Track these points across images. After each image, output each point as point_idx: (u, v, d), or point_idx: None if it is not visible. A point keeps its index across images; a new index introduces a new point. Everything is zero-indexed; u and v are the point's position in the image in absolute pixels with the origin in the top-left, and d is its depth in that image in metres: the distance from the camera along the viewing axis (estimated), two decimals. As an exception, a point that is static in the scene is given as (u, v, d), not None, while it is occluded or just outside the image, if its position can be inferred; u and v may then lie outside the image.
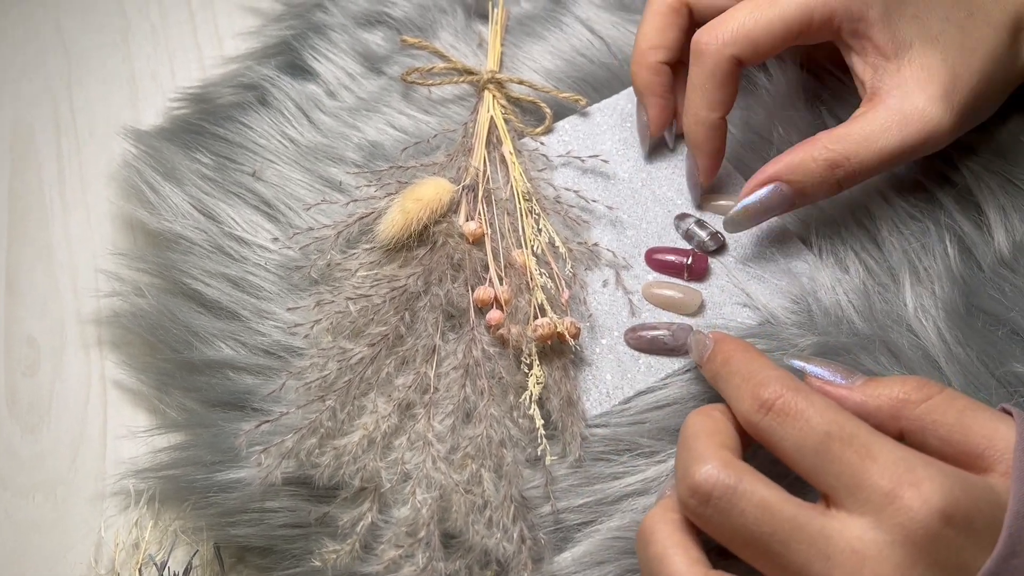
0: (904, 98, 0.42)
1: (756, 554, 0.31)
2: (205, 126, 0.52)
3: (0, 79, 0.61)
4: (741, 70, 0.43)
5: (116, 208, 0.54)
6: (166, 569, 0.42)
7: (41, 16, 0.64)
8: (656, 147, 0.50)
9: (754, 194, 0.43)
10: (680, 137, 0.50)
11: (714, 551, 0.33)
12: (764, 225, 0.47)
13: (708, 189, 0.48)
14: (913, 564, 0.29)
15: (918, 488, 0.30)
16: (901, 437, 0.34)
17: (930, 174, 0.47)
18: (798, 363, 0.38)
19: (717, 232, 0.47)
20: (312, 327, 0.42)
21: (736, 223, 0.44)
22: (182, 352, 0.46)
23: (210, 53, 0.61)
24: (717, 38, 0.42)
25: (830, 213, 0.47)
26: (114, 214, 0.54)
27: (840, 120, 0.45)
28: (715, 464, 0.32)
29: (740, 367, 0.36)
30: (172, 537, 0.43)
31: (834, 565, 0.30)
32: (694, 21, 0.47)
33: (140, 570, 0.42)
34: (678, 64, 0.48)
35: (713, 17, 0.44)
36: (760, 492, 0.31)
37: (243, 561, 0.42)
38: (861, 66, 0.43)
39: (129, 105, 0.59)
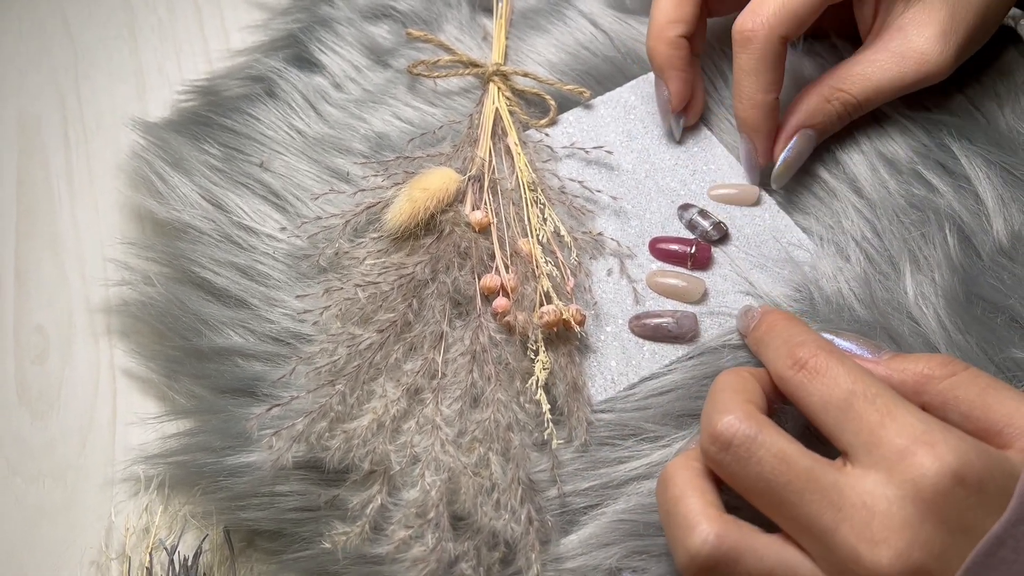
0: (904, 40, 0.45)
1: (770, 503, 0.33)
2: (213, 117, 0.53)
3: (7, 71, 0.61)
4: (786, 50, 0.45)
5: (124, 198, 0.54)
6: (176, 553, 0.42)
7: (47, 9, 0.64)
8: (677, 123, 0.50)
9: (788, 147, 0.47)
10: (687, 130, 0.51)
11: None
12: (767, 216, 0.48)
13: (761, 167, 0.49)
14: (921, 521, 0.30)
15: (933, 448, 0.30)
16: (923, 410, 0.35)
17: (929, 164, 0.48)
18: (828, 336, 0.39)
19: (720, 221, 0.47)
20: (322, 313, 0.42)
21: (781, 177, 0.48)
22: (191, 340, 0.46)
23: (216, 46, 0.61)
24: (764, 23, 0.43)
25: (831, 203, 0.48)
26: (122, 204, 0.55)
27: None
28: (737, 415, 0.33)
29: (782, 331, 0.38)
30: (182, 522, 0.44)
31: (844, 517, 0.31)
32: None
33: (151, 554, 0.42)
34: (693, 37, 0.48)
35: None
36: (778, 443, 0.33)
37: (252, 545, 0.43)
38: (869, 9, 0.46)
39: (136, 97, 0.60)
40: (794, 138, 0.47)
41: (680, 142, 0.51)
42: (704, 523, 0.33)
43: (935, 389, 0.35)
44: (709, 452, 0.34)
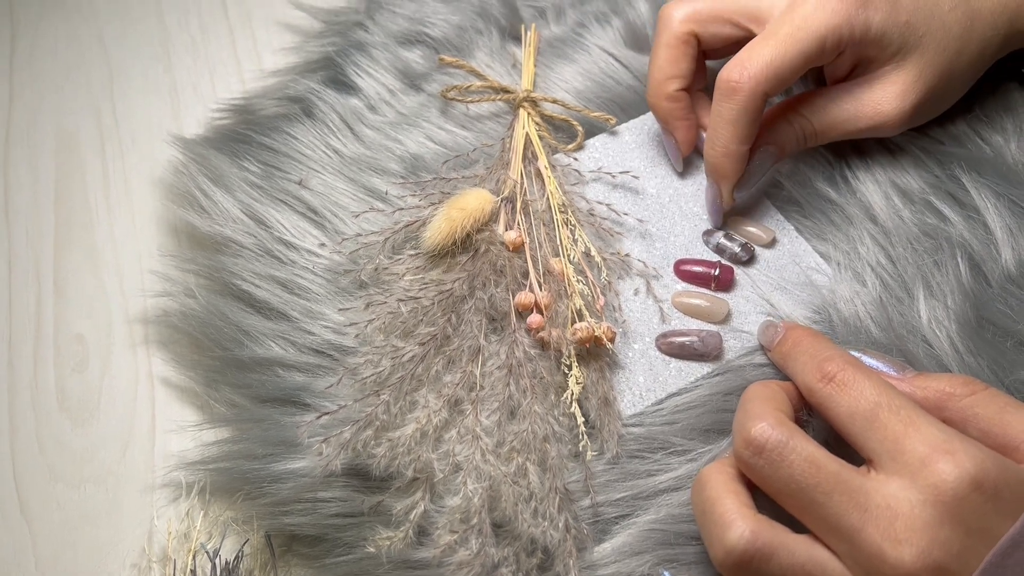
0: (868, 90, 0.48)
1: (800, 504, 0.35)
2: (252, 136, 0.54)
3: (45, 88, 0.63)
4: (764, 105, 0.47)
5: (160, 212, 0.56)
6: (218, 557, 0.43)
7: (83, 29, 0.66)
8: (688, 162, 0.53)
9: (753, 160, 0.49)
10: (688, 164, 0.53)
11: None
12: (786, 242, 0.50)
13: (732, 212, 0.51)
14: (941, 523, 0.32)
15: (953, 456, 0.33)
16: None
17: (941, 195, 0.50)
18: (855, 353, 0.42)
19: (747, 243, 0.49)
20: (366, 326, 0.44)
21: (742, 186, 0.49)
22: (232, 350, 0.48)
23: (249, 67, 0.63)
24: (750, 77, 0.45)
25: (847, 231, 0.50)
26: (158, 218, 0.56)
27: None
28: (770, 422, 0.36)
29: (809, 347, 0.40)
30: (222, 527, 0.45)
31: (869, 518, 0.33)
32: (701, 50, 0.50)
33: (194, 557, 0.44)
34: (691, 86, 0.51)
35: (718, 44, 0.50)
36: (808, 448, 0.35)
37: (291, 551, 0.44)
38: (845, 68, 0.48)
39: (171, 115, 0.61)
40: (758, 151, 0.48)
41: (701, 170, 0.53)
42: (740, 521, 0.35)
43: (956, 406, 0.37)
44: (743, 456, 0.36)
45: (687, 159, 0.53)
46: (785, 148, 0.49)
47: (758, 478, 0.36)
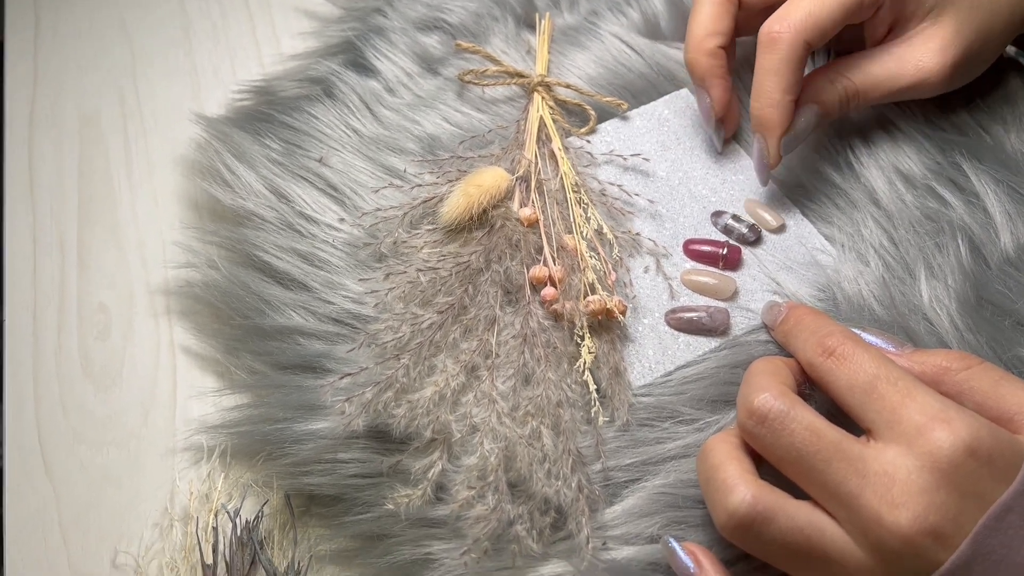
0: (909, 48, 0.49)
1: (801, 471, 0.36)
2: (273, 115, 0.56)
3: (68, 69, 0.64)
4: (808, 56, 0.48)
5: (182, 189, 0.58)
6: (238, 516, 0.45)
7: (105, 12, 0.68)
8: (718, 133, 0.54)
9: (798, 117, 0.49)
10: (729, 140, 0.55)
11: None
12: (792, 224, 0.52)
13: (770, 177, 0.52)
14: (937, 488, 0.33)
15: (948, 424, 0.34)
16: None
17: (942, 180, 0.52)
18: (855, 331, 0.43)
19: (754, 224, 0.51)
20: (387, 294, 0.46)
21: (789, 145, 0.50)
22: (253, 319, 0.49)
23: (268, 51, 0.65)
24: (791, 26, 0.47)
25: (851, 214, 0.52)
26: (180, 195, 0.58)
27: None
28: (772, 392, 0.37)
29: (810, 324, 0.41)
30: (242, 489, 0.46)
31: (867, 484, 0.34)
32: (742, 7, 0.52)
33: (215, 516, 0.45)
34: (728, 51, 0.52)
35: (760, 4, 0.51)
36: (809, 417, 0.36)
37: (310, 512, 0.46)
38: (883, 27, 0.50)
39: (192, 96, 0.63)
40: (801, 110, 0.49)
41: (710, 155, 0.55)
42: (742, 486, 0.36)
43: (952, 380, 0.39)
44: (746, 426, 0.38)
45: (691, 146, 0.54)
46: (828, 107, 0.50)
47: (761, 447, 0.38)
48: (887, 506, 0.34)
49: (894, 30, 0.50)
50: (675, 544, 0.40)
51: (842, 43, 0.54)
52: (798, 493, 0.37)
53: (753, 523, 0.35)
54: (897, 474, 0.34)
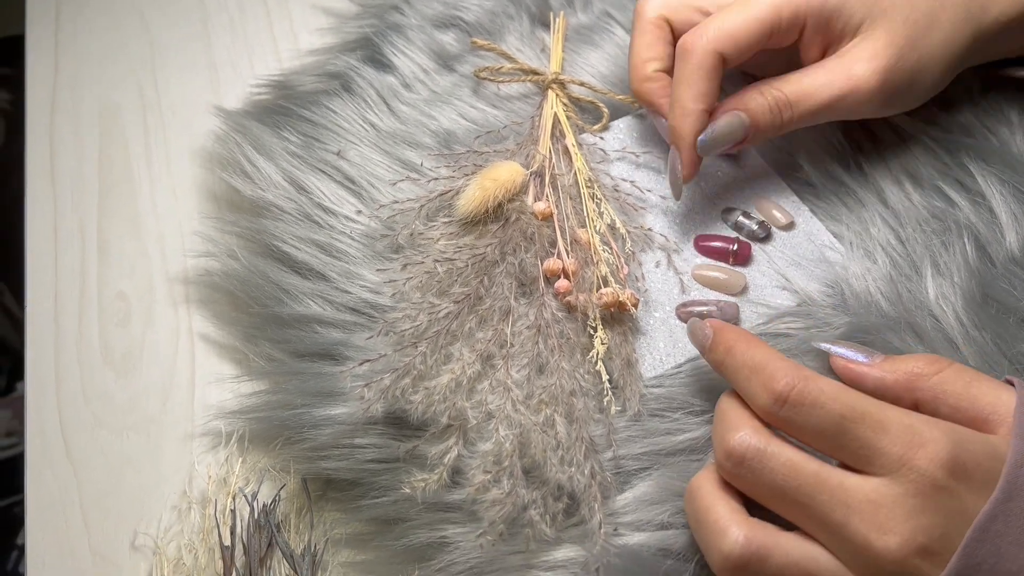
0: (840, 61, 0.49)
1: (784, 505, 0.37)
2: (292, 108, 0.57)
3: (88, 63, 0.65)
4: (723, 67, 0.49)
5: (200, 180, 0.59)
6: (255, 499, 0.46)
7: (125, 7, 0.69)
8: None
9: (719, 120, 0.49)
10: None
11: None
12: (801, 222, 0.53)
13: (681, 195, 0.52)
14: (922, 510, 0.34)
15: (925, 448, 0.34)
16: (916, 407, 0.39)
17: (949, 181, 0.53)
18: (824, 345, 0.44)
19: (764, 221, 0.52)
20: (404, 284, 0.47)
21: (705, 147, 0.49)
22: (271, 307, 0.50)
23: (286, 47, 0.66)
24: (702, 37, 0.48)
25: (859, 213, 0.52)
26: (198, 186, 0.59)
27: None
28: (746, 431, 0.37)
29: (745, 359, 0.39)
30: (260, 474, 0.47)
31: (852, 512, 0.35)
32: (675, 36, 0.53)
33: (233, 498, 0.46)
34: (669, 70, 0.52)
35: (689, 25, 0.51)
36: (786, 453, 0.36)
37: (326, 496, 0.46)
38: (816, 54, 0.50)
39: (210, 90, 0.64)
40: (726, 115, 0.49)
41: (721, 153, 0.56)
42: (733, 527, 0.36)
43: (925, 386, 0.39)
44: (725, 467, 0.38)
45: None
46: (756, 116, 0.49)
47: (742, 486, 0.38)
48: (875, 532, 0.34)
49: (826, 53, 0.50)
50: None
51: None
52: (787, 522, 0.37)
53: (748, 564, 0.36)
54: (882, 501, 0.34)
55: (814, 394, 0.36)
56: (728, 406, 0.39)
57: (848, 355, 0.42)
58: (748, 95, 0.49)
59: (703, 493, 0.38)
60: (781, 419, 0.37)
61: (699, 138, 0.49)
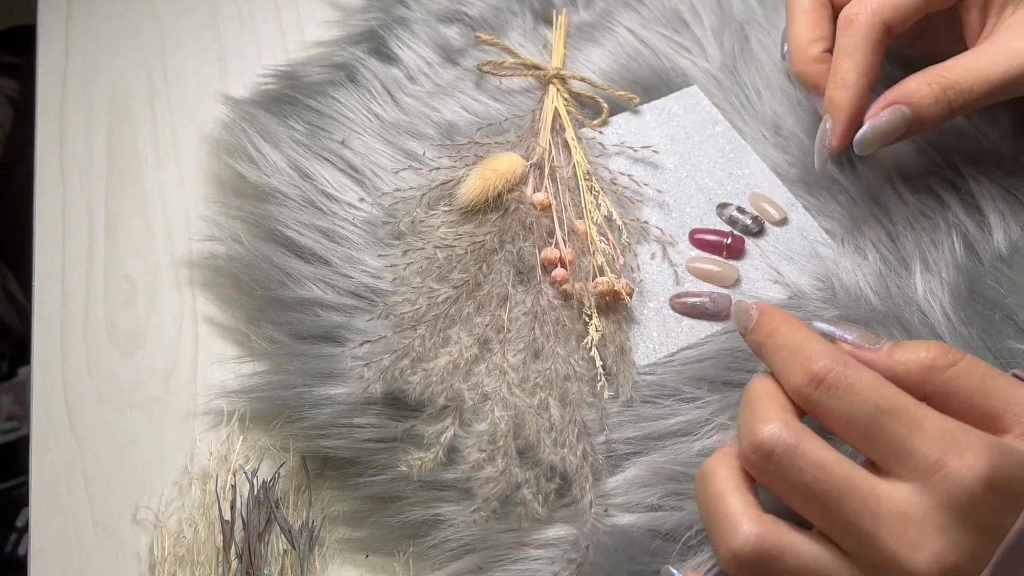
0: (1013, 37, 0.46)
1: (810, 508, 0.34)
2: (298, 98, 0.58)
3: (99, 48, 0.67)
4: (888, 38, 0.47)
5: (207, 166, 0.60)
6: (255, 476, 0.47)
7: (135, -4, 0.70)
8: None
9: (880, 115, 0.47)
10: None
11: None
12: (795, 218, 0.54)
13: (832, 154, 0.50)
14: (954, 526, 0.32)
15: (962, 457, 0.32)
16: (925, 399, 0.37)
17: (940, 181, 0.54)
18: (826, 327, 0.40)
19: (757, 216, 0.53)
20: (404, 268, 0.48)
21: (866, 144, 0.47)
22: (274, 290, 0.51)
23: (293, 38, 0.67)
24: (867, 7, 0.46)
25: (851, 211, 0.54)
26: (205, 172, 0.60)
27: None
28: (778, 424, 0.35)
29: (787, 339, 0.37)
30: (260, 452, 0.48)
31: (882, 523, 0.33)
32: (835, 12, 0.50)
33: (233, 475, 0.47)
34: (832, 50, 0.50)
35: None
36: (818, 452, 0.34)
37: (324, 475, 0.48)
38: (976, 16, 0.48)
39: (218, 79, 0.65)
40: (888, 110, 0.46)
41: (717, 150, 0.57)
42: (746, 523, 0.34)
43: (938, 380, 0.36)
44: (751, 460, 0.35)
45: (699, 141, 0.56)
46: (921, 108, 0.46)
47: (765, 480, 0.36)
48: (904, 547, 0.32)
49: (988, 21, 0.47)
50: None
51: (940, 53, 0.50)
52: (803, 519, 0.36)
53: (759, 562, 0.34)
54: (913, 513, 0.32)
55: (851, 379, 0.35)
56: (759, 393, 0.37)
57: (853, 340, 0.39)
58: (910, 86, 0.46)
59: (717, 479, 0.36)
60: (813, 401, 0.35)
61: (857, 135, 0.47)
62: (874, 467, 0.34)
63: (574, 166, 0.54)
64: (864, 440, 0.34)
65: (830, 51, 0.49)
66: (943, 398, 0.36)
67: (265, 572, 0.44)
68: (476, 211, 0.51)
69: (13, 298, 1.09)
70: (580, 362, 0.46)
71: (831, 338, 0.40)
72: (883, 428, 0.34)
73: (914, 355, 0.37)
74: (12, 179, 1.06)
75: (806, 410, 0.36)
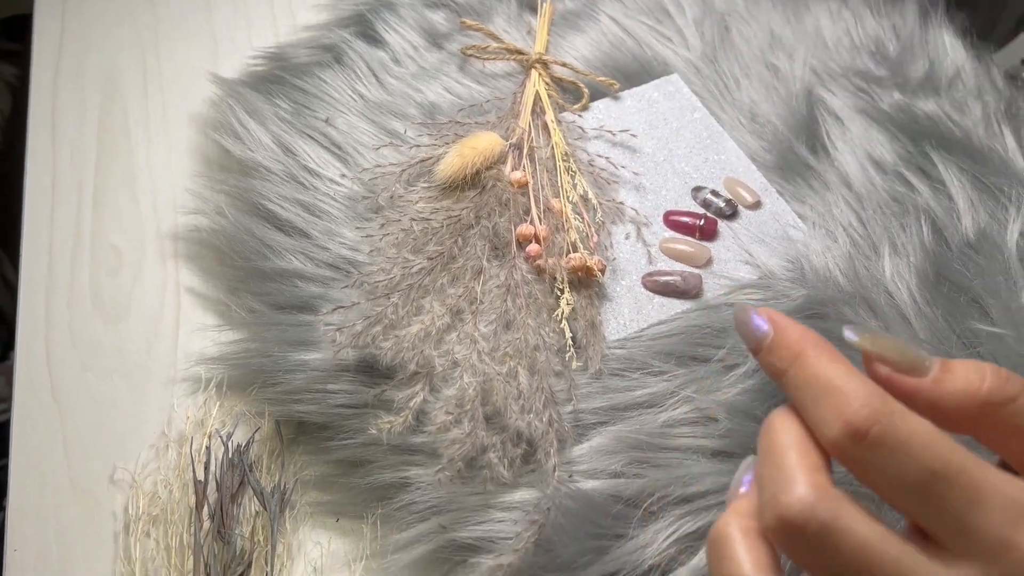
0: None
1: None
2: (285, 77, 0.59)
3: (94, 28, 0.68)
4: None
5: (195, 143, 0.61)
6: (230, 440, 0.48)
7: (131, -21, 0.71)
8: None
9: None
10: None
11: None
12: (768, 202, 0.55)
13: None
14: None
15: None
16: (977, 435, 0.31)
17: (912, 168, 0.55)
18: (855, 337, 0.31)
19: (731, 199, 0.54)
20: (381, 240, 0.49)
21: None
22: (255, 261, 0.52)
23: (284, 22, 0.68)
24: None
25: (824, 195, 0.55)
26: (193, 149, 0.61)
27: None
28: (809, 490, 0.28)
29: (816, 372, 0.30)
30: (235, 417, 0.49)
31: None
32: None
33: (209, 438, 0.48)
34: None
35: None
36: (860, 531, 0.27)
37: (297, 441, 0.48)
38: None
39: (210, 60, 0.66)
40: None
41: (694, 135, 0.58)
42: None
43: (996, 417, 0.30)
44: (777, 535, 0.28)
45: (677, 127, 0.58)
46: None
47: (795, 560, 0.29)
48: None
49: None
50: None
51: None
52: None
53: None
54: None
55: (901, 436, 0.28)
56: (783, 444, 0.29)
57: (895, 361, 0.30)
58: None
59: (734, 553, 0.29)
60: (852, 457, 0.28)
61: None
62: (923, 534, 0.29)
63: (552, 147, 0.55)
64: (915, 508, 0.28)
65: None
66: (1000, 438, 0.30)
67: (236, 532, 0.45)
68: (454, 187, 0.52)
69: (8, 282, 1.10)
70: (550, 334, 0.47)
71: (864, 354, 0.31)
72: (939, 497, 0.28)
73: (965, 385, 0.30)
74: (10, 164, 1.07)
75: (843, 465, 0.29)
